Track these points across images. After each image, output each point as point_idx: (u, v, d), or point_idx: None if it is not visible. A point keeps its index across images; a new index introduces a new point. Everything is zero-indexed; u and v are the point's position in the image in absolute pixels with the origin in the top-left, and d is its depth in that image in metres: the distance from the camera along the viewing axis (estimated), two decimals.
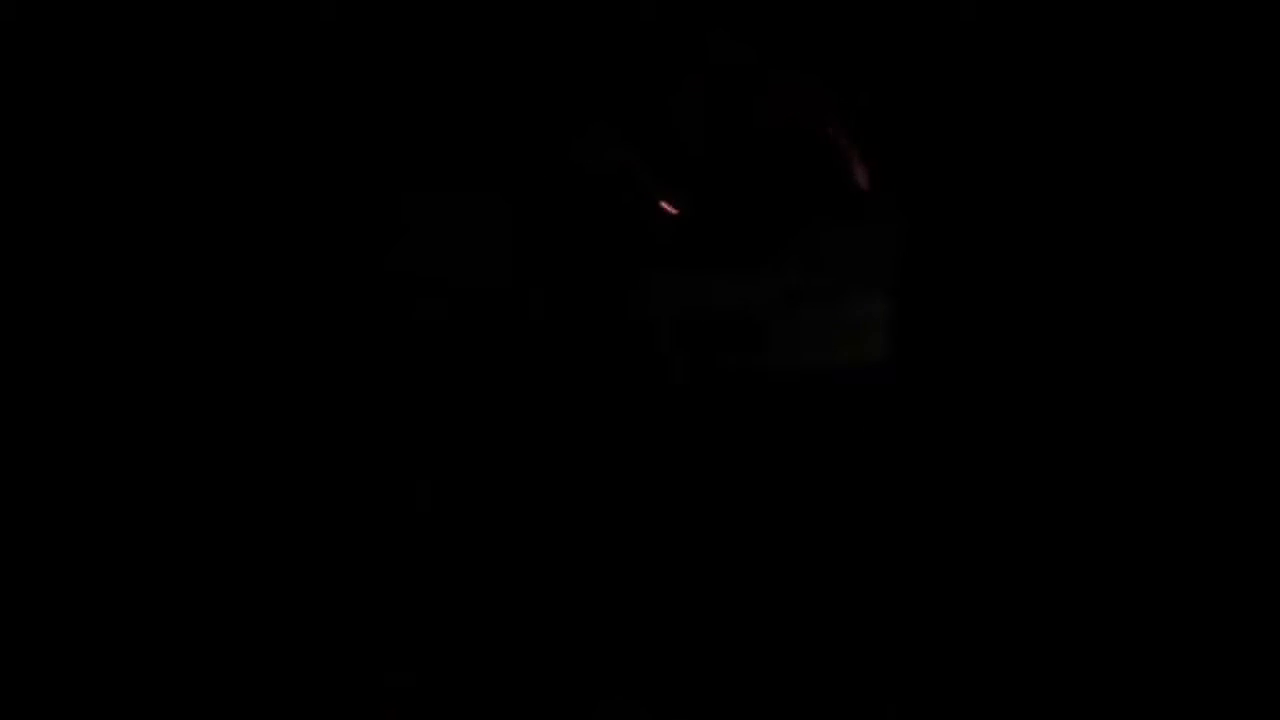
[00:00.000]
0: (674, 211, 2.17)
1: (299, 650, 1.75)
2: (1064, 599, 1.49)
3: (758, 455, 1.93)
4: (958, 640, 1.55)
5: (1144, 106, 1.51)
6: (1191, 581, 1.44)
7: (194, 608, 1.74)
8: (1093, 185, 1.52)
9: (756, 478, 1.92)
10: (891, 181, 1.86)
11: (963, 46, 1.59)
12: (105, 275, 1.75)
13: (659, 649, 1.83)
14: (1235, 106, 1.48)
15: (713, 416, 1.99)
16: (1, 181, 1.70)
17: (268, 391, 1.81)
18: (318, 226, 1.86)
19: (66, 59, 1.71)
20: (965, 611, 1.55)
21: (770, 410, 1.94)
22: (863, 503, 1.89)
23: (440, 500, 1.98)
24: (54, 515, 1.73)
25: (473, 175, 2.10)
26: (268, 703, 1.71)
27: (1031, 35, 1.56)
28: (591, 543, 1.96)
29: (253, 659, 1.73)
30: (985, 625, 1.53)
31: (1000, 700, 1.52)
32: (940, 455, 1.55)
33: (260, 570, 1.78)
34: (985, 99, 1.58)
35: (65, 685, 1.69)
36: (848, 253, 2.13)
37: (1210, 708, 1.43)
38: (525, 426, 2.06)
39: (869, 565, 1.80)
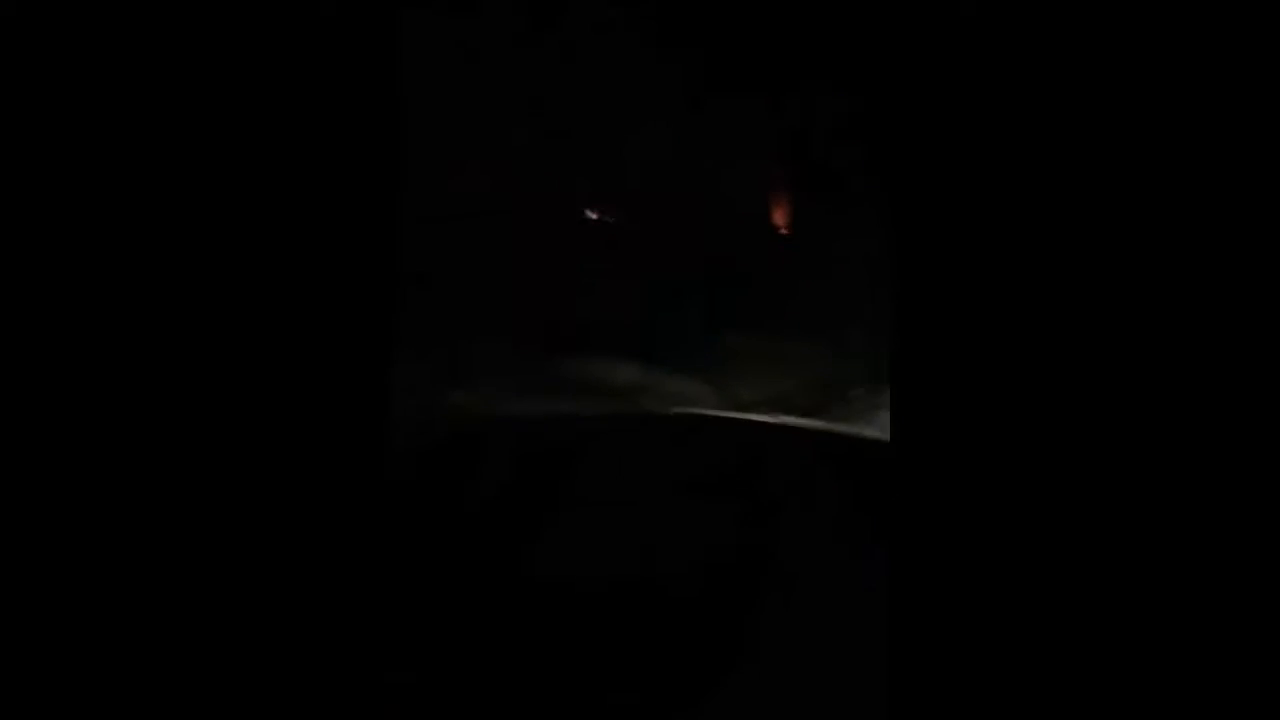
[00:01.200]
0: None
1: (299, 650, 1.75)
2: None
3: None
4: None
5: (1141, 121, 1.52)
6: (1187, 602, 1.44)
7: (193, 608, 1.74)
8: (1091, 199, 1.52)
9: None
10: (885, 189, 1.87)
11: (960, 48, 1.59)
12: (105, 275, 1.75)
13: (657, 645, 1.83)
14: (1235, 109, 1.48)
15: None
16: (1, 181, 1.70)
17: (265, 387, 1.80)
18: (313, 228, 1.86)
19: (66, 58, 1.71)
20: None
21: None
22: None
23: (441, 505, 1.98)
24: (51, 514, 1.73)
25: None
26: (268, 703, 1.71)
27: (1029, 38, 1.56)
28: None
29: (252, 659, 1.73)
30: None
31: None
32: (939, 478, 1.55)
33: (259, 569, 1.78)
34: (980, 109, 1.58)
35: (63, 685, 1.68)
36: None
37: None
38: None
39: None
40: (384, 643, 1.79)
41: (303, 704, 1.72)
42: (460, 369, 2.43)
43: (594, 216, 2.54)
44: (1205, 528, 1.44)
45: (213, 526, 1.75)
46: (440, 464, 2.26)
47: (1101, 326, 1.51)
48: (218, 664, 1.72)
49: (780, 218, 2.64)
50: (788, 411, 2.45)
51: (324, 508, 1.81)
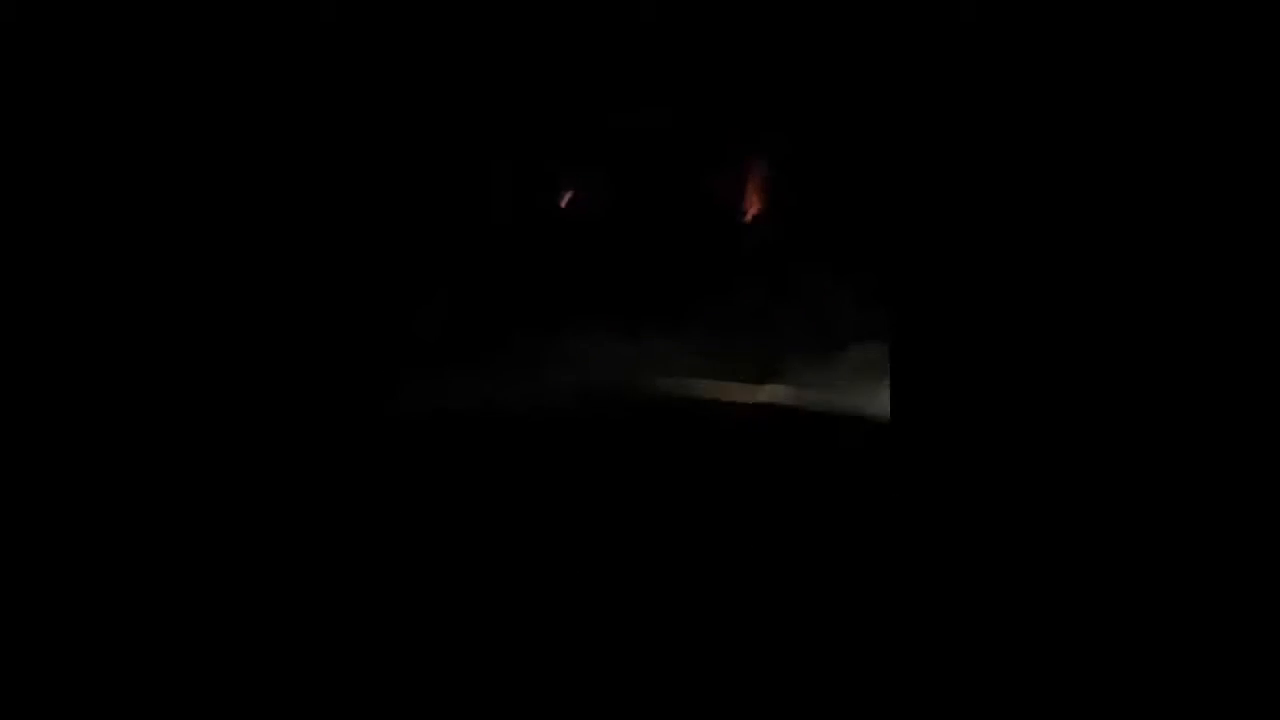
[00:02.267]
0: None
1: (299, 650, 1.75)
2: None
3: None
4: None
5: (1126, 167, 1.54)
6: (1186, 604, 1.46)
7: (195, 608, 1.74)
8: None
9: None
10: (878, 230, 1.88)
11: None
12: (104, 274, 1.75)
13: (656, 646, 1.84)
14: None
15: None
16: (2, 181, 1.70)
17: (268, 388, 1.81)
18: (311, 227, 1.86)
19: (66, 59, 1.71)
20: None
21: None
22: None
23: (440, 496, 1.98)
24: (53, 510, 1.73)
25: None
26: (268, 702, 1.71)
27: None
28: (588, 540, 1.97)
29: (253, 659, 1.73)
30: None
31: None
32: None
33: (260, 570, 1.78)
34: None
35: (65, 684, 1.68)
36: None
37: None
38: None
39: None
40: (383, 642, 1.79)
41: (303, 704, 1.73)
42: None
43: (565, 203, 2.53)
44: (1202, 533, 1.45)
45: (214, 525, 1.76)
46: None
47: (1095, 328, 1.53)
48: (218, 663, 1.72)
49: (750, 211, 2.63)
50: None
51: (326, 507, 1.82)
